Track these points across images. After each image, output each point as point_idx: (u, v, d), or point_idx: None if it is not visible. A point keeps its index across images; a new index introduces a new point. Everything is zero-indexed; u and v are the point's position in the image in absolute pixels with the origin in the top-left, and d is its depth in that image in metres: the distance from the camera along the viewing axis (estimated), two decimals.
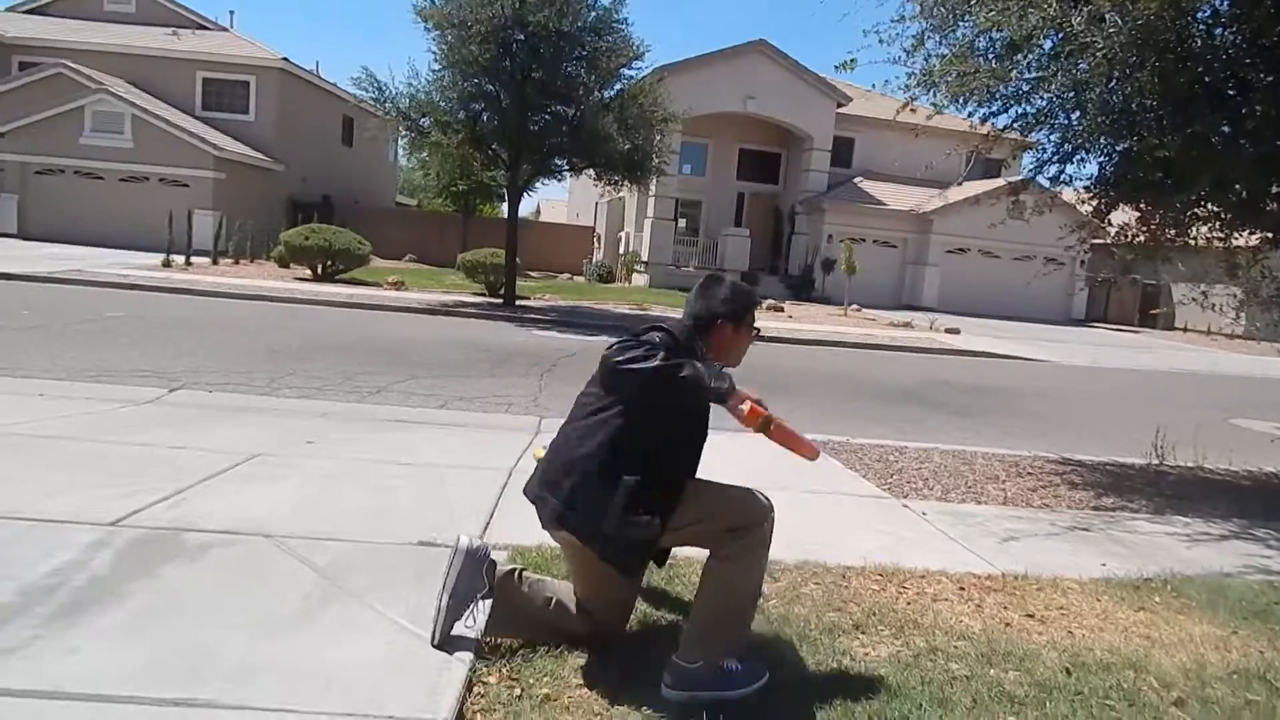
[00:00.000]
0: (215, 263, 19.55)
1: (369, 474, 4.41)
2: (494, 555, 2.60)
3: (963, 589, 3.42)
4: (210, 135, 24.76)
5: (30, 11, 28.23)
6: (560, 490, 2.45)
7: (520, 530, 3.57)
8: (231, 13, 42.16)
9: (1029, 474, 5.78)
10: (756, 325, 2.72)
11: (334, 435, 5.22)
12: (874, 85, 6.35)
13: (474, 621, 2.52)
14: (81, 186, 24.13)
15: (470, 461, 4.86)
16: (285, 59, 27.26)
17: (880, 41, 5.82)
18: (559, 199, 46.23)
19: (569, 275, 28.43)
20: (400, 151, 32.09)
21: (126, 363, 7.49)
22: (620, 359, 2.36)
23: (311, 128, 29.13)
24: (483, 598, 2.53)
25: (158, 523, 3.41)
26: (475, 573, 2.51)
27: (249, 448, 4.68)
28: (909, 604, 3.20)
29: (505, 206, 19.19)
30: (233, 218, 21.56)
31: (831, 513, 4.46)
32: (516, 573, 2.65)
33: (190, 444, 4.68)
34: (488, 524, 3.75)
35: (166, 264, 17.88)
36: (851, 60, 5.75)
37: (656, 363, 2.31)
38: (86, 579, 2.83)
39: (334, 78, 39.89)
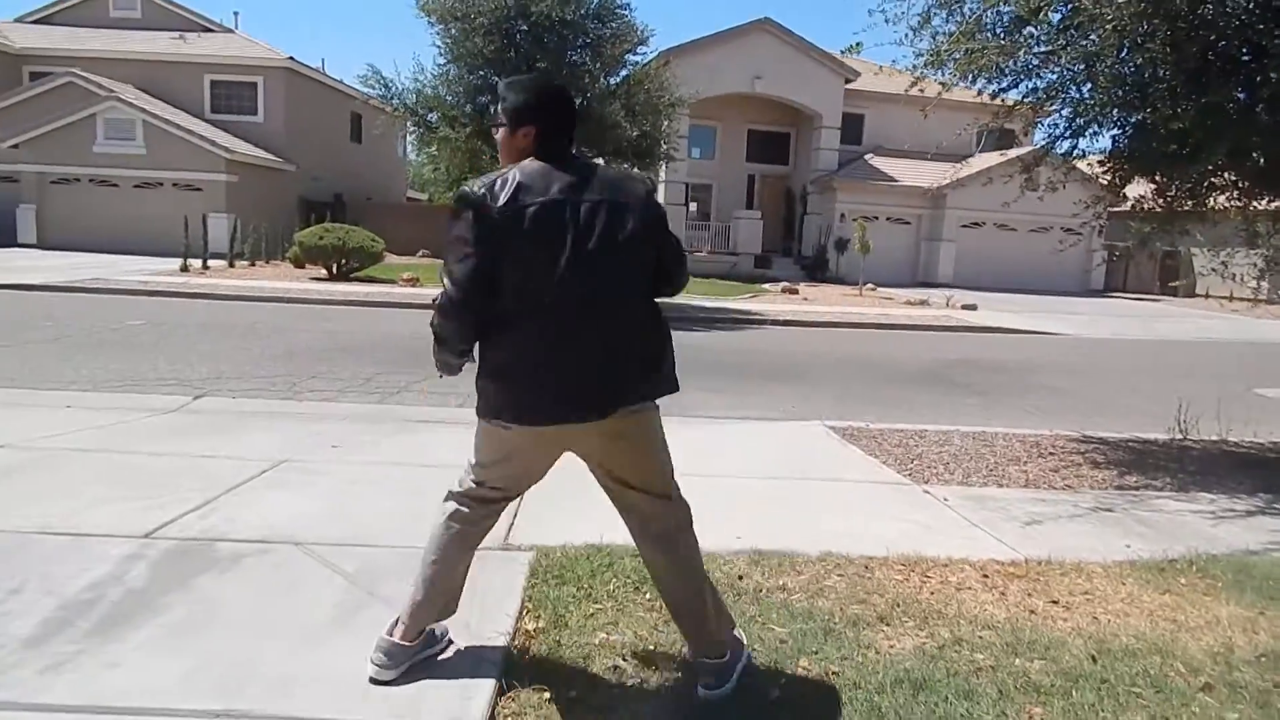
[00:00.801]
0: (231, 265, 19.72)
1: (394, 477, 4.47)
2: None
3: (986, 577, 3.42)
4: (220, 138, 24.90)
5: (37, 21, 28.40)
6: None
7: (544, 530, 3.62)
8: (236, 14, 42.51)
9: (1050, 454, 5.76)
10: None
11: (358, 438, 5.29)
12: (881, 66, 6.29)
13: (449, 642, 2.60)
14: (97, 195, 24.37)
15: None
16: (291, 58, 27.32)
17: (886, 21, 5.77)
18: None
19: None
20: (409, 146, 32.10)
21: (151, 371, 7.59)
22: None
23: (320, 126, 29.21)
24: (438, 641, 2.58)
25: (189, 533, 3.48)
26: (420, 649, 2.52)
27: (275, 454, 4.74)
28: (933, 594, 3.20)
29: None
30: (246, 220, 21.71)
31: (852, 501, 4.47)
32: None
33: (217, 452, 4.76)
34: (511, 525, 3.79)
35: (184, 269, 18.08)
36: (857, 44, 5.71)
37: None
38: (123, 592, 2.89)
39: (340, 75, 39.89)
